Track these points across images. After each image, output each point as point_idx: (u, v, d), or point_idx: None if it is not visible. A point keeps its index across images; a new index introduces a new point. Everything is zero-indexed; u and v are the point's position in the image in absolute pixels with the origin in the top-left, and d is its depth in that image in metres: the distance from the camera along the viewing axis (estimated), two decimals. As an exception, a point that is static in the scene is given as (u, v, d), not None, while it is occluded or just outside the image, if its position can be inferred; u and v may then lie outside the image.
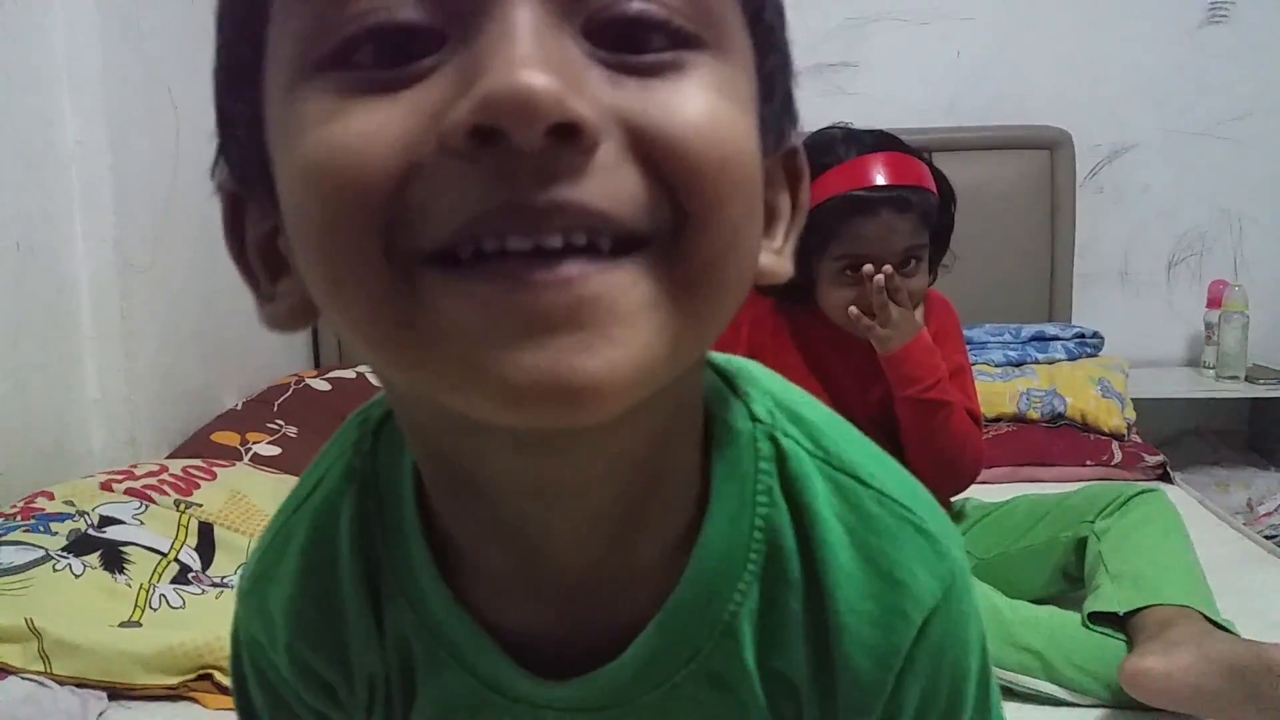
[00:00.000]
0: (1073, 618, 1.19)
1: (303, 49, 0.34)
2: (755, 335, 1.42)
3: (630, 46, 0.33)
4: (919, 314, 1.37)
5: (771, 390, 0.46)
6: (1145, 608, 1.13)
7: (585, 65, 0.32)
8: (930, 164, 1.38)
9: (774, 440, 0.44)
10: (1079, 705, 1.13)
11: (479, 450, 0.38)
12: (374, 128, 0.31)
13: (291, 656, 0.49)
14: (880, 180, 1.29)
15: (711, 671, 0.43)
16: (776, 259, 0.41)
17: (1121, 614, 1.15)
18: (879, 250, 1.29)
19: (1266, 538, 2.29)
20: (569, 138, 0.30)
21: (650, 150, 0.32)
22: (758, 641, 0.43)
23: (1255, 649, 1.01)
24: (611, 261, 0.31)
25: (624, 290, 0.31)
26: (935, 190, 1.35)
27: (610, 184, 0.31)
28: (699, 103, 0.33)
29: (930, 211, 1.34)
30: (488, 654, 0.44)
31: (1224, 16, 2.55)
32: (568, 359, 0.30)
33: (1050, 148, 2.52)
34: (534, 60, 0.30)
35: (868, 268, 1.26)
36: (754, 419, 0.45)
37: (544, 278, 0.30)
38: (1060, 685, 1.13)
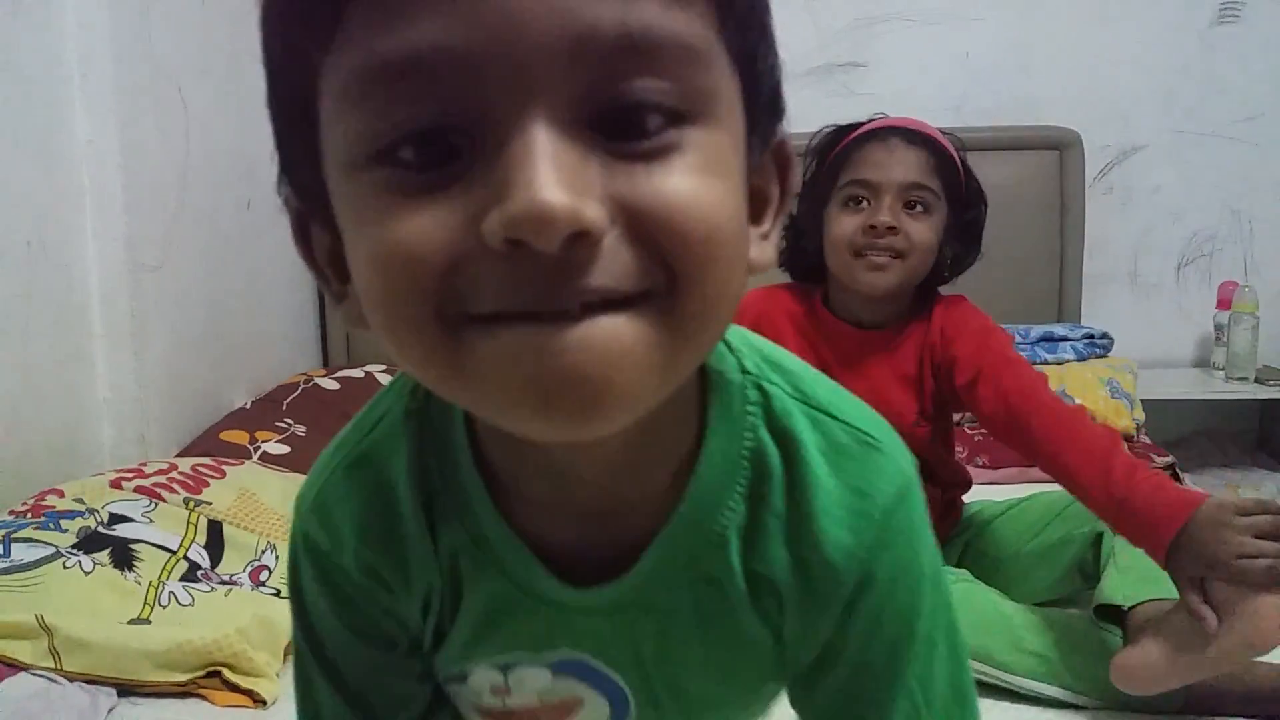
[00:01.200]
0: (1078, 621, 1.19)
1: (356, 143, 0.40)
2: (760, 323, 1.41)
3: (630, 132, 0.39)
4: (942, 322, 1.38)
5: (758, 347, 0.55)
6: (1148, 601, 1.13)
7: (591, 161, 0.38)
8: (961, 151, 1.38)
9: (760, 388, 0.53)
10: (1086, 709, 1.13)
11: (537, 449, 0.48)
12: (423, 230, 0.39)
13: (359, 562, 0.56)
14: (894, 124, 1.35)
15: (707, 576, 0.53)
16: (762, 247, 0.47)
17: (1126, 608, 1.15)
18: (884, 176, 1.30)
19: (1276, 540, 2.29)
20: (581, 238, 0.37)
21: (646, 229, 0.39)
22: (743, 550, 0.53)
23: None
24: (616, 314, 0.39)
25: (629, 340, 0.39)
26: (955, 157, 1.35)
27: (614, 265, 0.38)
28: (687, 185, 0.39)
29: (946, 167, 1.33)
30: (526, 564, 0.53)
31: (1235, 16, 2.55)
32: (587, 400, 0.39)
33: (1059, 148, 2.51)
34: (551, 180, 0.36)
35: None
36: (744, 371, 0.53)
37: (565, 336, 0.38)
38: (1067, 689, 1.13)
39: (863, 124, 1.39)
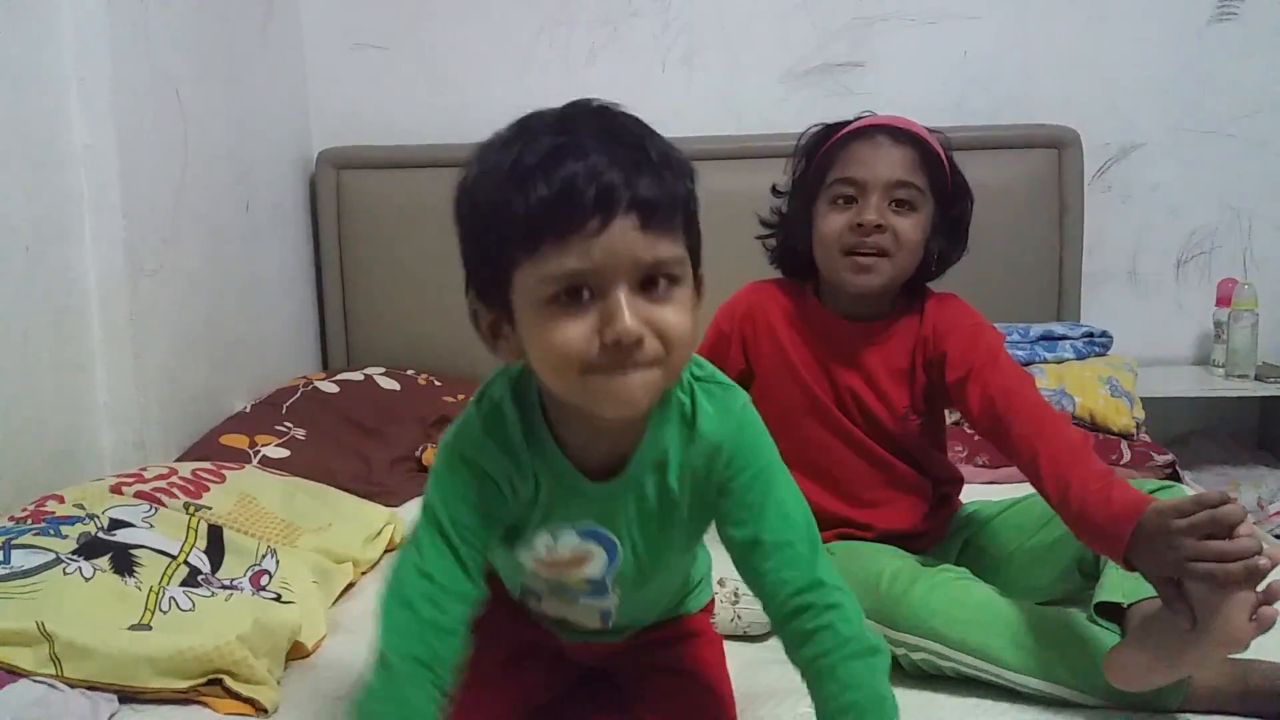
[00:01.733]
0: (1077, 619, 1.19)
1: (540, 291, 0.81)
2: (754, 315, 1.46)
3: (653, 292, 0.82)
4: (931, 316, 1.39)
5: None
6: (1147, 599, 1.13)
7: (640, 304, 0.81)
8: (947, 148, 1.40)
9: (688, 377, 0.96)
10: (1084, 706, 1.13)
11: (589, 421, 0.90)
12: (573, 336, 0.81)
13: (489, 464, 0.93)
14: (880, 123, 1.37)
15: (660, 467, 0.95)
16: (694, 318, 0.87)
17: (1125, 605, 1.15)
18: (871, 174, 1.32)
19: (1276, 536, 2.29)
20: (639, 346, 0.81)
21: (660, 335, 0.82)
22: (678, 463, 0.95)
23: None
24: (648, 369, 0.82)
25: (651, 381, 0.83)
26: (942, 156, 1.37)
27: (648, 350, 0.82)
28: (676, 315, 0.83)
29: (932, 164, 1.35)
30: (572, 473, 0.94)
31: (1233, 14, 2.54)
32: (636, 405, 0.84)
33: (1058, 146, 2.51)
34: (628, 318, 0.80)
35: None
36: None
37: (630, 377, 0.82)
38: (1066, 686, 1.13)
39: (849, 122, 1.40)
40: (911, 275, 1.40)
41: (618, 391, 0.81)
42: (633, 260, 0.79)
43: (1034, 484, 1.20)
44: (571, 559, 0.97)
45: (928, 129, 1.40)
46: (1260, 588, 0.99)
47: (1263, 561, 0.97)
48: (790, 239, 1.44)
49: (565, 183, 0.77)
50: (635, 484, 0.94)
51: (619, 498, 0.95)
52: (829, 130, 1.42)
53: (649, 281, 0.81)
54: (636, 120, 0.86)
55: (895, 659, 1.22)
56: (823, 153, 1.39)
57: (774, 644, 1.39)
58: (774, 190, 1.49)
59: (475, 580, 0.92)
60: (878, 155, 1.34)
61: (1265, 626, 0.99)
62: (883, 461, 1.42)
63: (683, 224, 0.84)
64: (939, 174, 1.36)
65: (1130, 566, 1.05)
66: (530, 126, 0.84)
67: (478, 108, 2.63)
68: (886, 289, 1.37)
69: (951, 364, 1.34)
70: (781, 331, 1.44)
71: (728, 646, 1.30)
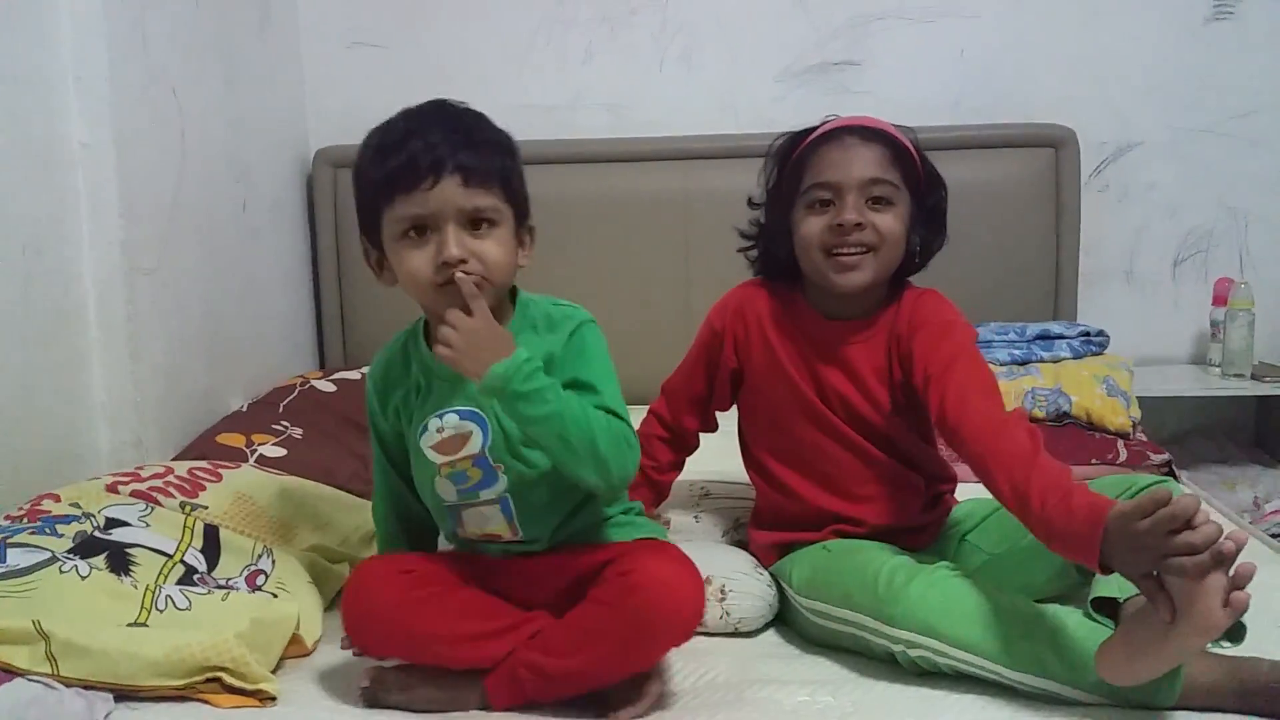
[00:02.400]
0: (1073, 616, 1.19)
1: (395, 229, 1.18)
2: (744, 313, 1.48)
3: (478, 228, 1.18)
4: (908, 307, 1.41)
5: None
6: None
7: (465, 237, 1.17)
8: (915, 141, 1.41)
9: (528, 301, 1.29)
10: (1080, 703, 1.13)
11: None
12: (419, 262, 1.17)
13: (376, 387, 1.33)
14: (847, 124, 1.40)
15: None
16: (525, 258, 1.25)
17: (1122, 600, 1.16)
18: (844, 175, 1.34)
19: (1273, 535, 2.29)
20: (462, 262, 1.16)
21: (480, 259, 1.17)
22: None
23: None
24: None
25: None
26: (912, 151, 1.39)
27: (472, 269, 1.17)
28: (493, 247, 1.18)
29: (903, 158, 1.37)
30: (439, 366, 1.22)
31: (1229, 13, 2.54)
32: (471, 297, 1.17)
33: (1055, 145, 2.51)
34: (452, 245, 1.15)
35: None
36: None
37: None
38: (1061, 683, 1.13)
39: (816, 128, 1.42)
40: (900, 270, 1.42)
41: (455, 299, 1.14)
42: (456, 206, 1.15)
43: (996, 499, 1.21)
44: (456, 437, 1.23)
45: (904, 127, 1.42)
46: (1230, 572, 1.00)
47: (1227, 544, 0.98)
48: (771, 248, 1.46)
49: (409, 154, 1.14)
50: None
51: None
52: (796, 136, 1.44)
53: (473, 224, 1.17)
54: (473, 113, 1.23)
55: (893, 656, 1.23)
56: (794, 160, 1.41)
57: (766, 638, 1.40)
58: (750, 203, 1.49)
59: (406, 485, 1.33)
60: (849, 156, 1.35)
61: (1238, 611, 1.00)
62: (872, 457, 1.42)
63: (500, 184, 1.18)
64: (910, 168, 1.38)
65: (1107, 570, 1.07)
66: (394, 118, 1.21)
67: (474, 106, 2.63)
68: (874, 285, 1.38)
69: (916, 365, 1.35)
70: (770, 331, 1.46)
71: (721, 643, 1.31)
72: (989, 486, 1.21)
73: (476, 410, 1.23)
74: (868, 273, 1.36)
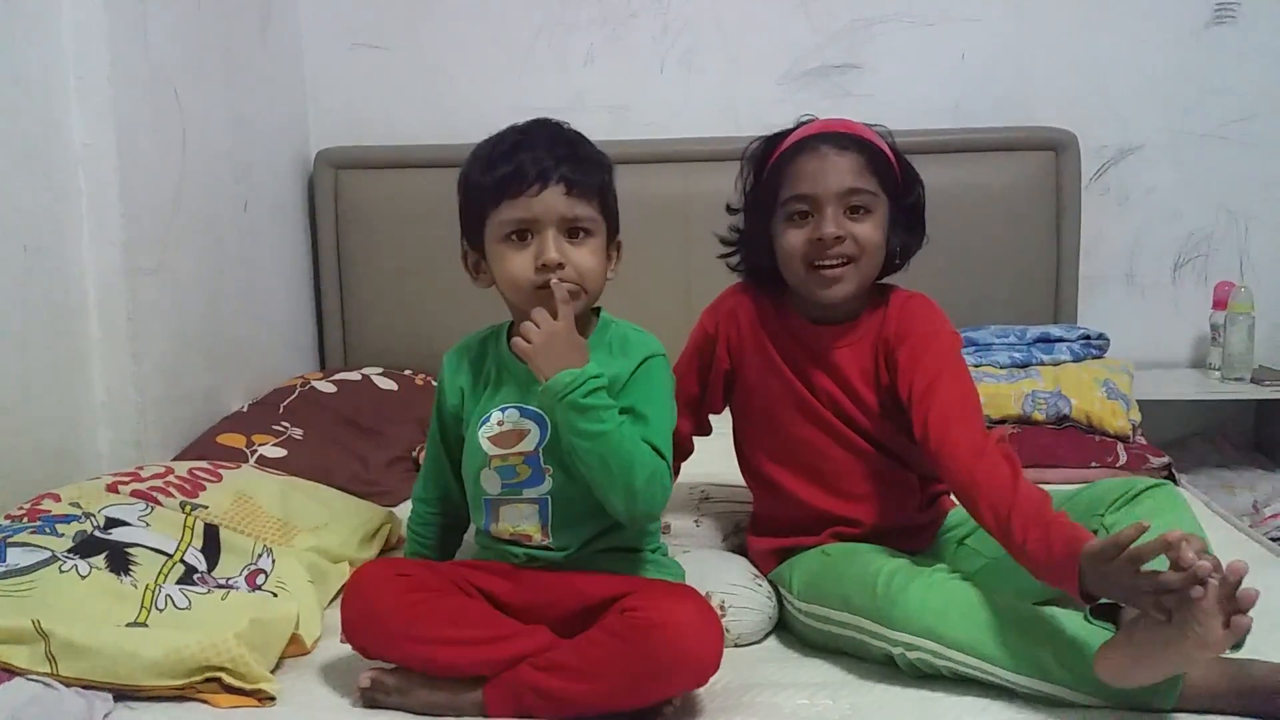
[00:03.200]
0: (1072, 618, 1.19)
1: (499, 232, 1.25)
2: (736, 315, 1.48)
3: (575, 237, 1.25)
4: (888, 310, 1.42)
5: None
6: None
7: (564, 242, 1.24)
8: (890, 142, 1.41)
9: (609, 321, 1.34)
10: (1079, 706, 1.13)
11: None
12: (520, 262, 1.25)
13: (456, 378, 1.37)
14: (821, 131, 1.39)
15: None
16: (610, 270, 1.32)
17: (1120, 604, 1.16)
18: (822, 187, 1.34)
19: (1272, 539, 2.29)
20: (560, 267, 1.23)
21: (575, 267, 1.24)
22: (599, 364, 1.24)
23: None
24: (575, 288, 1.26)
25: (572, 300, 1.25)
26: (889, 153, 1.38)
27: (568, 275, 1.24)
28: (587, 256, 1.26)
29: (879, 163, 1.36)
30: (511, 358, 1.30)
31: (1230, 17, 2.55)
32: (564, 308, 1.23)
33: (1056, 149, 2.51)
34: (552, 249, 1.23)
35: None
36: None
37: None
38: (1059, 685, 1.13)
39: (790, 132, 1.41)
40: (881, 272, 1.42)
41: (547, 304, 1.21)
42: (558, 213, 1.22)
43: (979, 524, 1.23)
44: (514, 431, 1.28)
45: (877, 127, 1.42)
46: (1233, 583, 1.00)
47: (1203, 564, 0.98)
48: (753, 255, 1.46)
49: (518, 164, 1.22)
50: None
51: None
52: (771, 142, 1.43)
53: (571, 232, 1.24)
54: (575, 131, 1.29)
55: (892, 658, 1.23)
56: (770, 169, 1.40)
57: (768, 643, 1.40)
58: (729, 209, 1.49)
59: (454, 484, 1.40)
60: (825, 167, 1.34)
61: (1238, 634, 1.00)
62: (865, 453, 1.42)
63: (598, 198, 1.26)
64: (888, 172, 1.37)
65: (1090, 599, 1.10)
66: (504, 132, 1.29)
67: (476, 109, 2.63)
68: (857, 294, 1.39)
69: (901, 378, 1.36)
70: (762, 332, 1.46)
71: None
72: (972, 513, 1.23)
73: (539, 410, 1.26)
74: (850, 284, 1.36)
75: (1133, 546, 1.03)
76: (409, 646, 1.19)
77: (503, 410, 1.29)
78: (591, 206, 1.25)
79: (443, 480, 1.41)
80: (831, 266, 1.35)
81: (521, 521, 1.28)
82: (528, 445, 1.27)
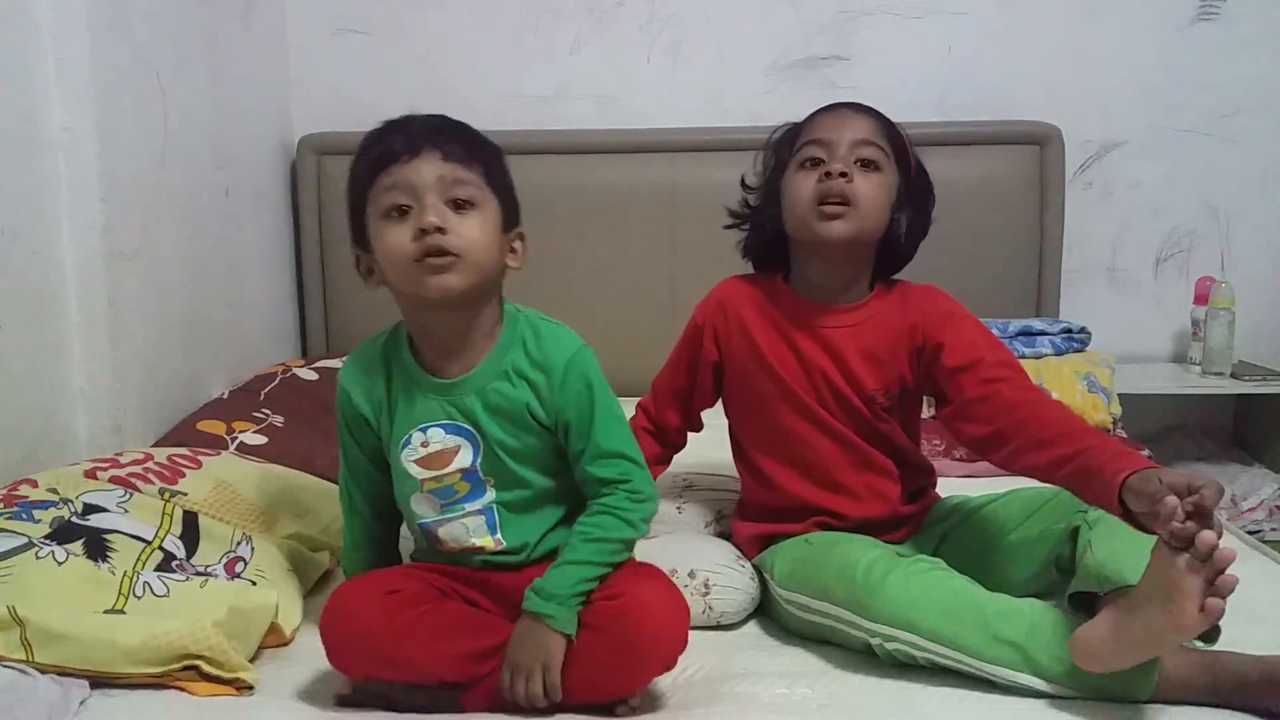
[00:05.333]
0: (1053, 609, 1.20)
1: (377, 212, 1.18)
2: (724, 305, 1.49)
3: (457, 208, 1.17)
4: (899, 297, 1.44)
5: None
6: (1123, 588, 1.14)
7: (445, 210, 1.16)
8: (909, 142, 1.46)
9: (519, 311, 1.26)
10: (1060, 697, 1.14)
11: (428, 318, 1.23)
12: (399, 236, 1.16)
13: (355, 400, 1.28)
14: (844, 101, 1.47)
15: (506, 384, 1.22)
16: (509, 256, 1.24)
17: (1101, 594, 1.16)
18: (837, 133, 1.39)
19: (1251, 532, 2.31)
20: (440, 230, 1.15)
21: (458, 235, 1.16)
22: (521, 377, 1.22)
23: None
24: (451, 258, 1.16)
25: (458, 268, 1.17)
26: (905, 139, 1.44)
27: (451, 244, 1.16)
28: (472, 227, 1.17)
29: (893, 135, 1.42)
30: (420, 373, 1.24)
31: (1214, 14, 2.56)
32: (448, 285, 1.17)
33: (1040, 143, 2.52)
34: (430, 213, 1.15)
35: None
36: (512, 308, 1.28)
37: (443, 261, 1.17)
38: (1041, 678, 1.14)
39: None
40: (884, 257, 1.45)
41: (432, 275, 1.15)
42: (436, 176, 1.15)
43: (1039, 451, 1.24)
44: (443, 451, 1.22)
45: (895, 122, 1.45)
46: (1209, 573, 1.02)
47: (1204, 535, 1.01)
48: (761, 222, 1.48)
49: (389, 143, 1.18)
50: (479, 388, 1.21)
51: (468, 396, 1.21)
52: (796, 127, 1.47)
53: (455, 204, 1.16)
54: (453, 119, 1.23)
55: (871, 649, 1.24)
56: (789, 134, 1.46)
57: (747, 630, 1.40)
58: (743, 184, 1.51)
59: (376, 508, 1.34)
60: (842, 119, 1.41)
61: (1212, 617, 1.02)
62: (852, 444, 1.43)
63: (481, 168, 1.19)
64: (900, 145, 1.43)
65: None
66: (382, 124, 1.21)
67: (460, 95, 2.62)
68: (854, 242, 1.39)
69: (950, 351, 1.38)
70: (750, 320, 1.47)
71: (702, 636, 1.31)
72: (1032, 419, 1.28)
73: (464, 425, 1.21)
74: (849, 225, 1.37)
75: (1167, 477, 1.06)
76: (405, 667, 1.16)
77: (424, 430, 1.22)
78: (474, 175, 1.17)
79: (373, 501, 1.33)
80: (833, 204, 1.36)
81: (468, 536, 1.23)
82: (462, 462, 1.22)
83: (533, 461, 1.23)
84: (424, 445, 1.22)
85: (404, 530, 1.37)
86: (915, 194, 1.44)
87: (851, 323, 1.43)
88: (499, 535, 1.23)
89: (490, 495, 1.23)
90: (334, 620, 1.17)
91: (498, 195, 1.20)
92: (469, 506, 1.23)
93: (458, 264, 1.15)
